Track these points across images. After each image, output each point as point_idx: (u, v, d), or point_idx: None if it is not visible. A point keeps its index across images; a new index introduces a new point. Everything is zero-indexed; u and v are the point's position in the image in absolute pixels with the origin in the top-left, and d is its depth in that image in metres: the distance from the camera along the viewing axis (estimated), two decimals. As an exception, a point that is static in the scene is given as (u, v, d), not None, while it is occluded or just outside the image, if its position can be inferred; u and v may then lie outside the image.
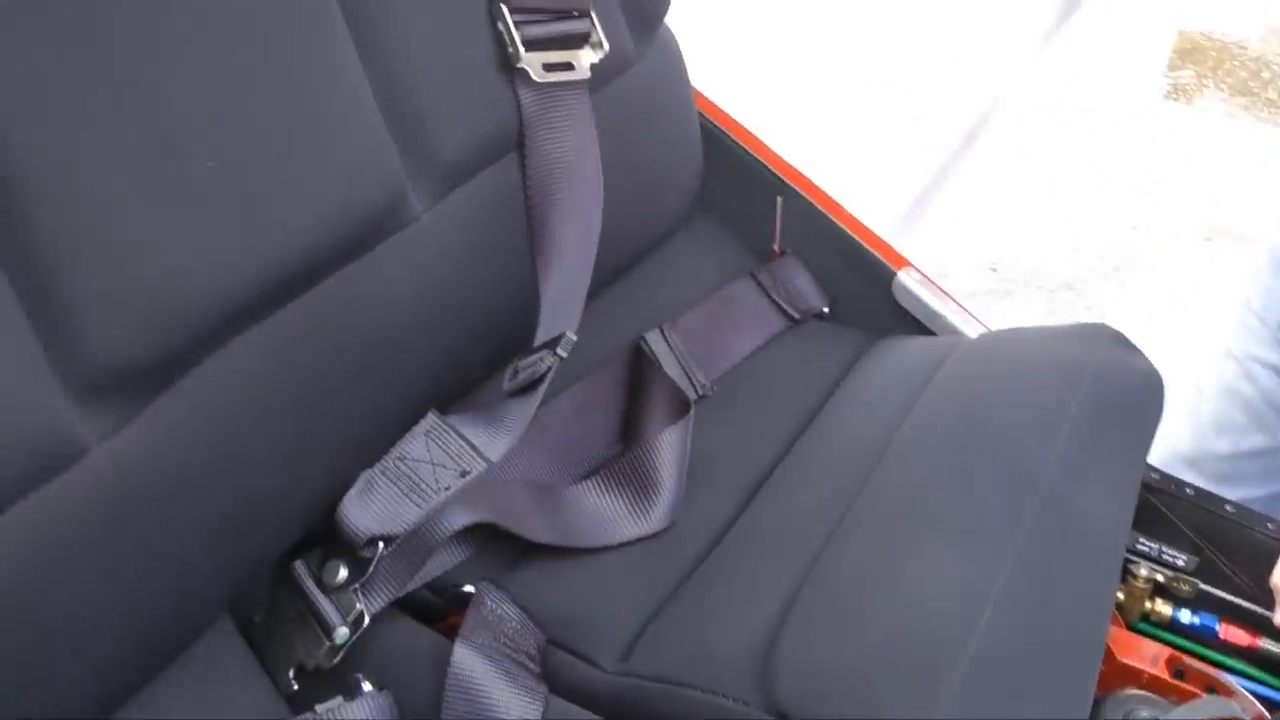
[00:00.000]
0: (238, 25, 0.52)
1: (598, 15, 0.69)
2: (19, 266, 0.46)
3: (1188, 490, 0.74)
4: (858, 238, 0.86)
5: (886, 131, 1.76)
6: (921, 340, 0.83)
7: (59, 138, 0.46)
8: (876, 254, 0.86)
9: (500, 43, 0.65)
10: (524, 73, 0.65)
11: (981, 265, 1.82)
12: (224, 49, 0.52)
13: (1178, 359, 0.97)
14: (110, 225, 0.48)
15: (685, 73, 0.84)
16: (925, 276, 0.86)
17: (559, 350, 0.63)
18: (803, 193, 0.87)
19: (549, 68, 0.66)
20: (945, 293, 0.85)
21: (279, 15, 0.54)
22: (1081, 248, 1.93)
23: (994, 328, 0.84)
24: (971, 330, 0.83)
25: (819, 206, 0.87)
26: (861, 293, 0.87)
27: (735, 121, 0.89)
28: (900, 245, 0.88)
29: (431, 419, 0.62)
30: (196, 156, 0.51)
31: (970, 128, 1.37)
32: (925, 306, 0.84)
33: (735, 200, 0.90)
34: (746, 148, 0.88)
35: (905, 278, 0.85)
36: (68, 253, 0.47)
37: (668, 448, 0.68)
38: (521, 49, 0.64)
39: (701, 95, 0.87)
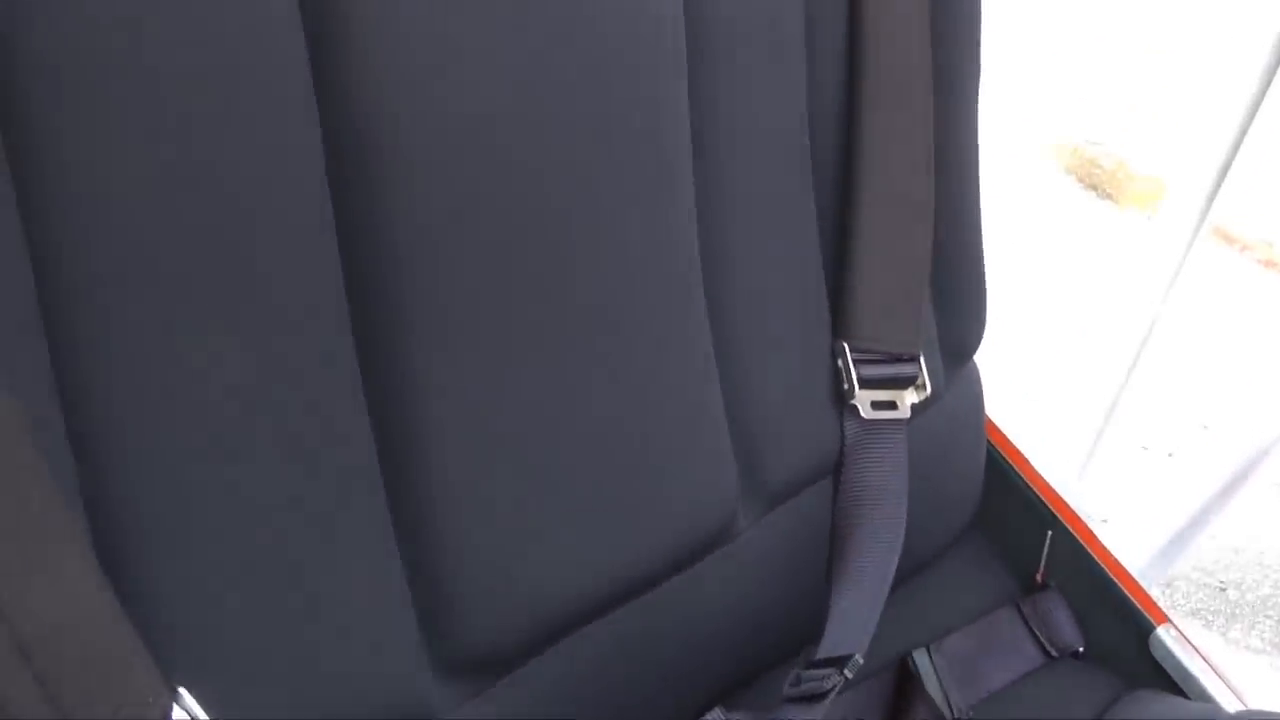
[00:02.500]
0: (631, 361, 0.61)
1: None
2: (418, 560, 0.55)
3: None
4: (1122, 585, 0.89)
5: (1150, 475, 1.80)
6: (1174, 702, 0.84)
7: (479, 462, 0.55)
8: (1138, 604, 0.88)
9: (837, 379, 0.72)
10: (854, 408, 0.72)
11: (1211, 585, 1.79)
12: (620, 388, 0.60)
13: None
14: (498, 531, 0.57)
15: (983, 401, 0.89)
16: (1184, 636, 0.87)
17: (845, 671, 0.68)
18: (1073, 530, 0.90)
19: (875, 405, 0.73)
20: (1204, 656, 0.86)
21: (662, 347, 0.63)
22: (1317, 582, 1.87)
23: (1250, 703, 0.84)
24: (1227, 701, 0.84)
25: (1087, 547, 0.90)
26: (1117, 639, 0.89)
27: (1016, 449, 0.94)
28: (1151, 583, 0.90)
29: (717, 713, 0.67)
30: (578, 476, 0.59)
31: (1229, 481, 1.39)
32: (1182, 668, 0.85)
33: (1005, 525, 0.94)
34: (1024, 477, 0.93)
35: (1164, 634, 0.86)
36: (460, 551, 0.56)
37: (927, 772, 0.71)
38: (856, 387, 0.71)
39: (991, 422, 0.93)
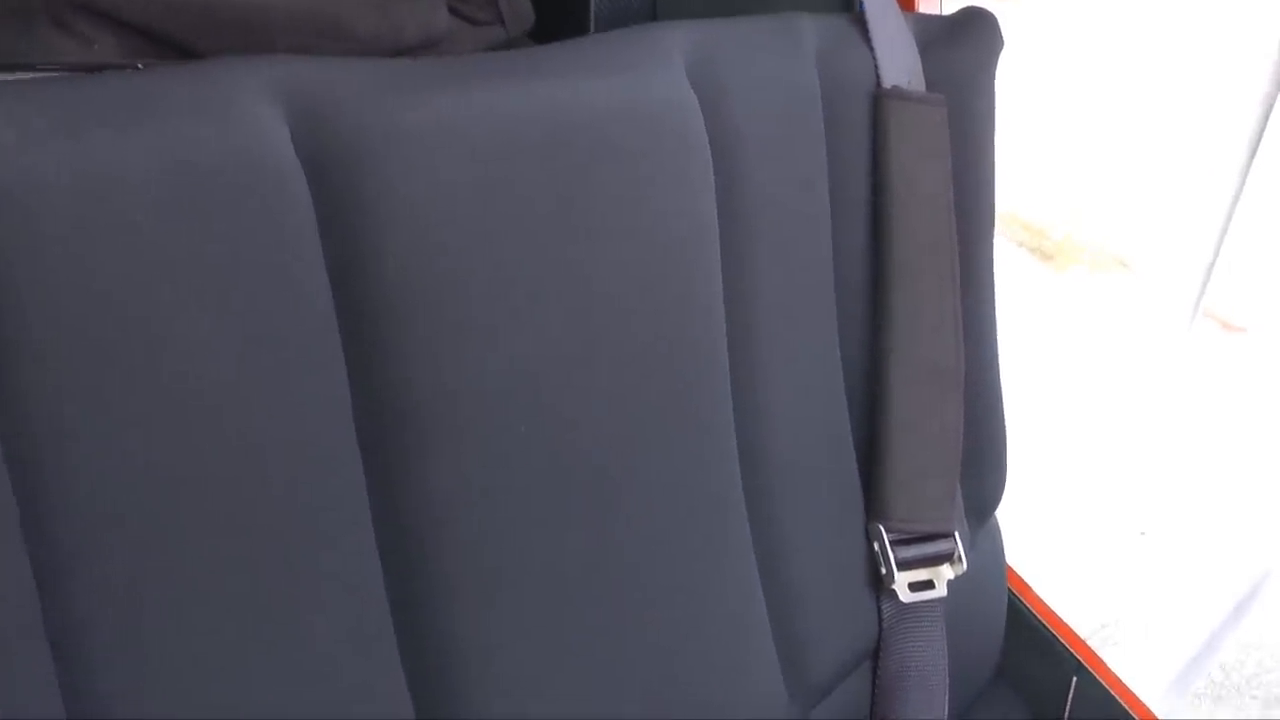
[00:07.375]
0: (677, 586, 0.60)
1: None
2: None
3: None
4: (1148, 729, 0.88)
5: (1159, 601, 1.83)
6: None
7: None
8: (1166, 748, 0.88)
9: (872, 562, 0.70)
10: (892, 592, 0.70)
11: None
12: (667, 614, 0.59)
13: None
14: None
15: (1003, 553, 0.88)
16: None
17: None
18: (1097, 675, 0.89)
19: (913, 586, 0.71)
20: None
21: (707, 566, 0.61)
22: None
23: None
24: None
25: (1112, 691, 0.89)
26: (1145, 782, 0.88)
27: (1036, 595, 0.93)
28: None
29: None
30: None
31: (1241, 598, 1.40)
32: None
33: (1029, 671, 0.93)
34: (1047, 624, 0.91)
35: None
36: None
37: None
38: (895, 570, 0.70)
39: (1010, 569, 0.91)
